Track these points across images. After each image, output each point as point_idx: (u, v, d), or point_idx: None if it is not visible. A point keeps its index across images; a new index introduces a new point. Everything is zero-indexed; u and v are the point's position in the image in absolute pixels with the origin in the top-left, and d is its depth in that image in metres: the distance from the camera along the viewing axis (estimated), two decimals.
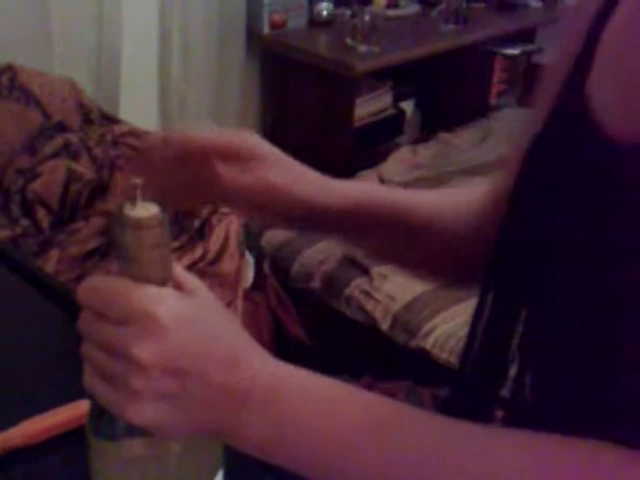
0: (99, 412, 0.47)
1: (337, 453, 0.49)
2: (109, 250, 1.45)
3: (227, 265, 1.44)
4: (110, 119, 1.72)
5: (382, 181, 2.02)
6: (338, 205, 0.67)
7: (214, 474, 0.51)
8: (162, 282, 0.45)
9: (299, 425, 0.49)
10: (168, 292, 0.46)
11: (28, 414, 0.65)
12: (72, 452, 0.64)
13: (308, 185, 0.66)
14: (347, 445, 0.49)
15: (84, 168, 1.49)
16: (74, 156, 1.50)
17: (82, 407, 0.66)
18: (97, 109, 1.69)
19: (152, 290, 0.45)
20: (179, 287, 0.47)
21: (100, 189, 1.51)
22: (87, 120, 1.65)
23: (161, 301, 0.45)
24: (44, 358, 0.75)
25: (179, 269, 0.48)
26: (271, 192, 0.64)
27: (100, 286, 0.46)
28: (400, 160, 2.13)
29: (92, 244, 1.44)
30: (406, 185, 2.01)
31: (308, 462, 0.50)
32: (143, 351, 0.44)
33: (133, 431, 0.46)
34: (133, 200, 0.43)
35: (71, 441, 0.64)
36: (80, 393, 0.66)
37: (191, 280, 0.48)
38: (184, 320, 0.46)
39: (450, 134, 2.28)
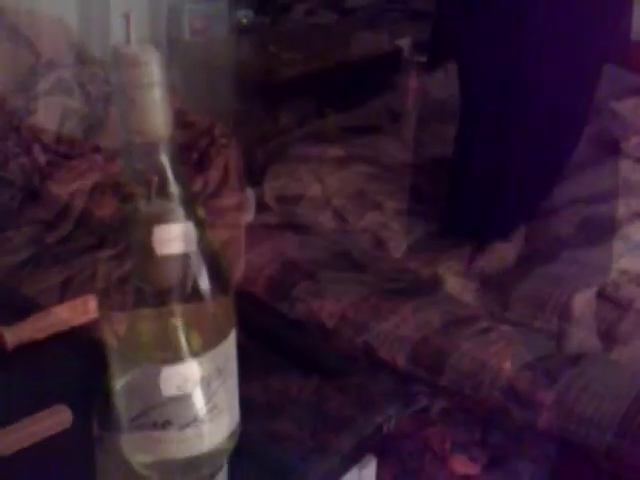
0: (106, 406, 0.47)
1: None
2: (42, 259, 1.41)
3: (228, 199, 1.37)
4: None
5: None
6: None
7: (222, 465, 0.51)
8: (163, 126, 0.43)
9: None
10: None
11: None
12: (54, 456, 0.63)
13: None
14: None
15: (78, 104, 1.43)
16: (67, 92, 1.44)
17: (61, 413, 0.65)
18: (88, 49, 1.62)
19: None
20: None
21: (30, 196, 1.46)
22: (79, 59, 1.59)
23: None
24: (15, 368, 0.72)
25: None
26: None
27: None
28: None
29: (25, 254, 1.39)
30: None
31: None
32: None
33: (142, 423, 0.46)
34: (128, 41, 0.42)
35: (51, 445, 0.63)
36: (56, 399, 0.65)
37: None
38: None
39: None
